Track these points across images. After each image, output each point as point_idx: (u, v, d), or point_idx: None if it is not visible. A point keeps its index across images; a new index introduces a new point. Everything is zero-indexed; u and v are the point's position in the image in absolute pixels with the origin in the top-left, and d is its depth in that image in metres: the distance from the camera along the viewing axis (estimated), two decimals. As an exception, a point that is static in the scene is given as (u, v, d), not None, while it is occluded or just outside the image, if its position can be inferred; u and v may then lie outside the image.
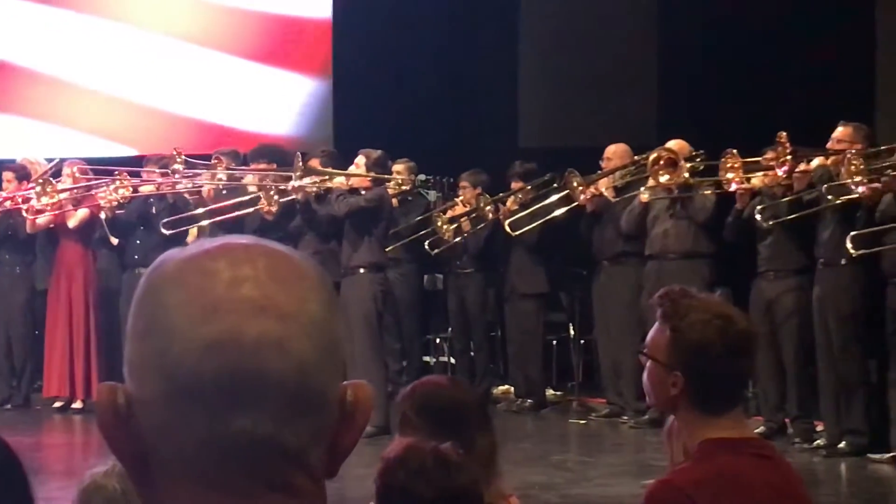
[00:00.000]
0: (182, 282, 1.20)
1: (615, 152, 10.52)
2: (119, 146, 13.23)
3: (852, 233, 8.50)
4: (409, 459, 2.76)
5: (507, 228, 10.66)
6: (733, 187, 9.36)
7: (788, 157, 8.89)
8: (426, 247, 11.05)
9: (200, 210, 10.49)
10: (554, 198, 10.62)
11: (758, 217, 9.13)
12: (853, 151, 8.65)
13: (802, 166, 8.97)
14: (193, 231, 10.37)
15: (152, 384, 1.18)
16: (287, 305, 1.19)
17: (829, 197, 8.67)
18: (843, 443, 8.85)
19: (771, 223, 9.13)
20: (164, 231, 10.32)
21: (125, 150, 13.16)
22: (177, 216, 10.49)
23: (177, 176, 10.87)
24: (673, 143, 10.02)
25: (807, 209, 8.90)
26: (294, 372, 1.17)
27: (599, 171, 10.45)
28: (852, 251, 8.44)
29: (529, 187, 10.97)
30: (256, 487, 1.18)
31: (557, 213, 10.57)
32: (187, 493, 1.19)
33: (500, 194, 11.05)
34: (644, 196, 10.06)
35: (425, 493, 2.71)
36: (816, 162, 8.90)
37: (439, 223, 10.97)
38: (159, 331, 1.18)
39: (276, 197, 10.01)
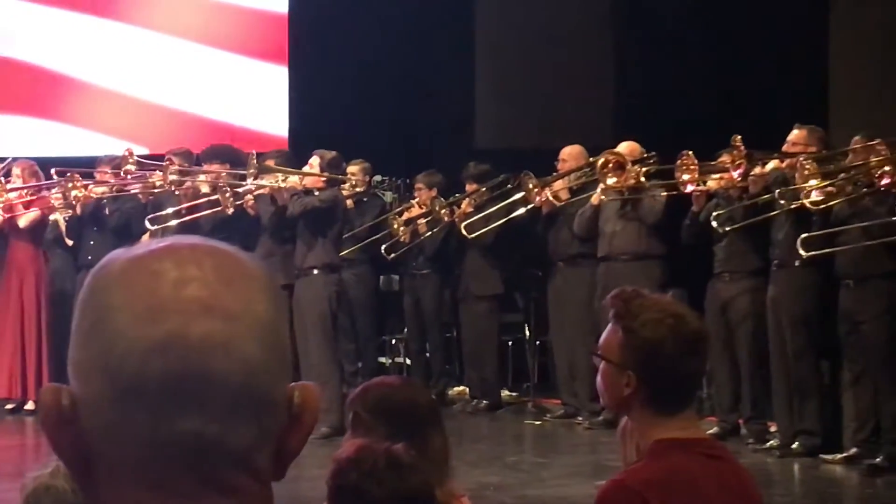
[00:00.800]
0: (127, 282, 1.19)
1: (570, 154, 10.54)
2: (77, 130, 13.19)
3: (803, 235, 8.55)
4: (362, 460, 2.75)
5: (463, 231, 10.66)
6: (689, 189, 9.39)
7: (743, 160, 8.93)
8: (383, 252, 11.04)
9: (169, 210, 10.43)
10: (509, 200, 10.62)
11: (714, 224, 9.18)
12: (807, 154, 8.71)
13: (758, 169, 9.02)
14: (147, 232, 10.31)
15: (97, 385, 1.17)
16: (234, 306, 1.18)
17: (782, 202, 8.72)
18: (796, 443, 8.90)
19: (728, 228, 9.18)
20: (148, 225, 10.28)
21: (88, 135, 13.13)
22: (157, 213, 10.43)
23: (129, 177, 10.79)
24: (624, 146, 10.05)
25: (762, 212, 8.94)
26: (240, 373, 1.16)
27: (555, 173, 10.47)
28: (803, 253, 8.49)
29: (484, 189, 10.98)
30: (201, 489, 1.17)
31: (515, 214, 10.57)
32: (132, 495, 1.18)
33: (456, 196, 11.05)
34: (595, 199, 10.09)
35: (377, 493, 2.71)
36: (772, 165, 8.95)
37: (395, 225, 10.96)
38: (104, 331, 1.17)
39: (231, 198, 9.95)
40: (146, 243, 1.23)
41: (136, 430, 1.16)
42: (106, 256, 1.23)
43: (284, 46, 13.40)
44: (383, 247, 11.03)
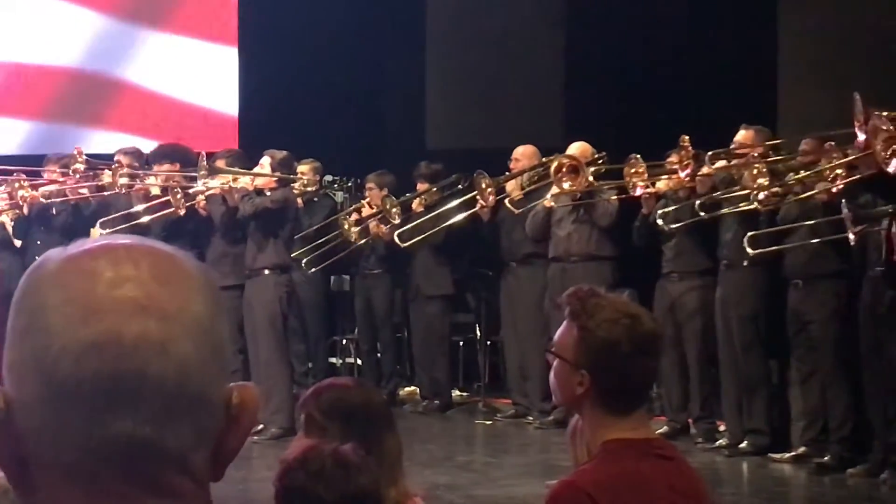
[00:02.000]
0: (62, 282, 1.18)
1: (523, 153, 10.54)
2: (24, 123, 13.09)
3: (750, 233, 8.60)
4: (309, 461, 2.74)
5: (396, 240, 10.62)
6: (638, 192, 9.42)
7: (691, 161, 8.97)
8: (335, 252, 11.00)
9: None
10: (445, 207, 10.60)
11: (659, 222, 9.22)
12: (755, 155, 8.76)
13: (705, 169, 9.06)
14: (95, 232, 10.22)
15: (31, 386, 1.16)
16: (169, 306, 1.17)
17: (730, 202, 8.77)
18: (745, 442, 8.96)
19: (672, 227, 9.22)
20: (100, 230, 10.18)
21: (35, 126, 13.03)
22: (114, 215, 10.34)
23: (77, 176, 10.70)
24: (575, 147, 10.06)
25: (710, 212, 8.98)
26: (175, 373, 1.16)
27: (507, 173, 10.47)
28: (750, 251, 8.54)
29: (435, 189, 10.97)
30: (136, 491, 1.16)
31: (452, 221, 10.54)
32: (66, 496, 1.16)
33: (407, 195, 11.03)
34: (548, 202, 10.10)
35: (325, 495, 2.69)
36: (718, 165, 8.98)
37: (346, 226, 10.93)
38: (38, 331, 1.16)
39: (182, 200, 9.88)
40: (81, 243, 1.22)
41: (71, 432, 1.15)
42: (41, 256, 1.22)
43: (234, 28, 13.36)
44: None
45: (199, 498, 1.19)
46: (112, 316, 1.15)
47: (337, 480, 2.70)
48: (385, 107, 13.63)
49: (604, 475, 2.87)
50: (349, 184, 12.28)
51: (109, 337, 1.14)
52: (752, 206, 8.57)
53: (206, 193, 9.83)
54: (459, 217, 10.51)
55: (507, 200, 10.21)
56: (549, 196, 10.07)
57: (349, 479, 2.71)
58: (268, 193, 9.76)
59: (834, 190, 7.72)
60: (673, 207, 9.29)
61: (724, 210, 8.85)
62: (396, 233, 10.62)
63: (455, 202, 10.61)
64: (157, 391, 1.15)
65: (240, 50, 13.27)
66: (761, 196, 8.49)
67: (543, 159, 10.32)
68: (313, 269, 10.74)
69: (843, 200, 7.77)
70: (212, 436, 1.20)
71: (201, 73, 13.34)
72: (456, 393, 11.56)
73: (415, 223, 10.65)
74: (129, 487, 1.16)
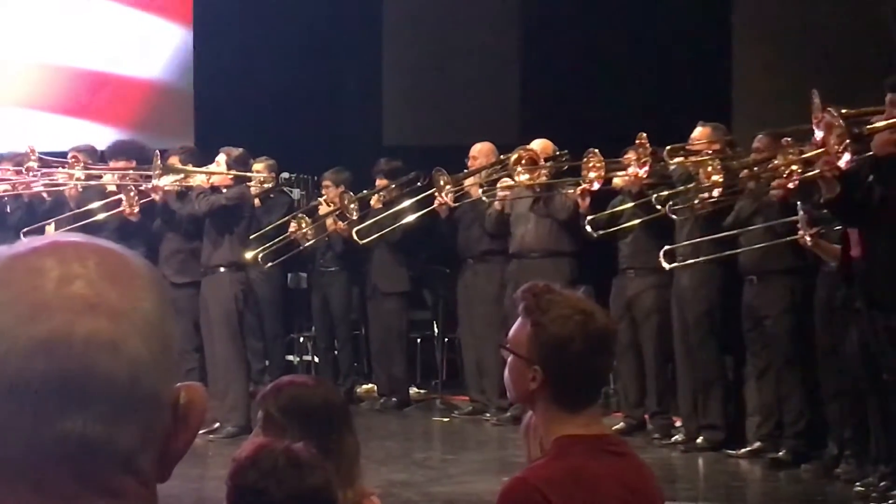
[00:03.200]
0: (9, 280, 1.17)
1: (481, 151, 10.54)
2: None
3: (666, 247, 8.69)
4: (261, 460, 2.72)
5: (355, 237, 10.62)
6: (595, 186, 9.45)
7: (648, 157, 9.00)
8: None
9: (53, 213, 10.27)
10: (413, 200, 10.59)
11: (588, 228, 9.30)
12: (711, 152, 8.80)
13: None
14: (50, 229, 10.15)
15: None
16: (119, 304, 1.17)
17: (685, 200, 8.81)
18: (701, 438, 9.00)
19: (600, 233, 9.28)
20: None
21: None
22: (37, 224, 10.26)
23: (31, 174, 10.61)
24: (537, 143, 10.08)
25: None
26: (126, 372, 1.15)
27: (465, 171, 10.47)
28: (665, 265, 8.65)
29: (394, 185, 10.96)
30: (83, 491, 1.15)
31: (406, 221, 10.54)
32: (13, 495, 1.15)
33: (365, 192, 11.01)
34: (498, 204, 10.12)
35: (277, 493, 2.68)
36: (676, 162, 9.02)
37: (302, 225, 10.90)
38: None
39: (136, 197, 9.82)
40: (29, 241, 1.21)
41: (19, 430, 1.14)
42: None
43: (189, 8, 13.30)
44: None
45: (145, 498, 1.19)
46: (61, 314, 1.14)
47: (289, 479, 2.69)
48: (342, 103, 13.60)
49: (555, 472, 2.87)
50: (307, 179, 12.25)
51: (59, 335, 1.14)
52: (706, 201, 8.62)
53: (160, 191, 9.75)
54: (417, 215, 10.50)
55: (481, 192, 10.21)
56: (498, 194, 10.09)
57: (302, 478, 2.70)
58: (223, 191, 9.72)
59: (790, 186, 7.76)
60: (630, 204, 9.33)
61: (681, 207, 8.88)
62: (355, 230, 10.61)
63: (412, 200, 10.60)
64: (107, 390, 1.14)
65: (195, 34, 13.19)
66: (715, 193, 8.53)
67: (501, 157, 10.33)
68: (269, 265, 10.70)
69: (799, 202, 7.82)
70: (159, 436, 1.19)
71: (155, 51, 13.23)
72: (413, 390, 11.56)
73: (373, 220, 10.64)
74: (77, 487, 1.15)
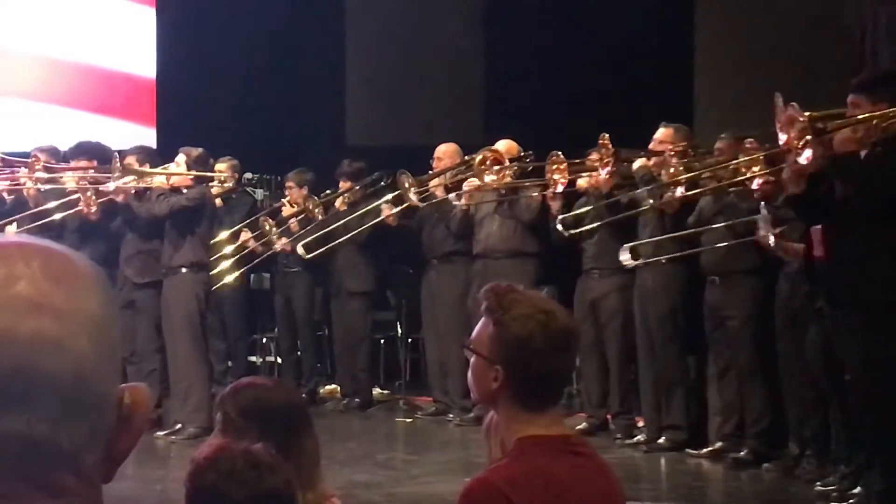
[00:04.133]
0: None
1: (446, 152, 10.54)
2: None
3: (627, 244, 8.70)
4: (220, 461, 2.71)
5: (300, 251, 10.63)
6: (559, 189, 9.47)
7: (611, 158, 9.02)
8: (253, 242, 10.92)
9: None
10: (380, 201, 10.60)
11: (559, 227, 9.32)
12: (673, 152, 8.82)
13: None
14: (11, 229, 10.08)
15: None
16: (64, 304, 1.16)
17: (650, 200, 8.83)
18: (663, 438, 9.03)
19: (571, 232, 9.29)
20: None
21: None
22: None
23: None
24: (502, 144, 10.09)
25: (629, 209, 9.04)
26: (70, 371, 1.15)
27: (430, 172, 10.46)
28: (629, 262, 8.66)
29: (358, 187, 10.94)
30: (27, 490, 1.15)
31: (359, 230, 10.55)
32: None
33: (328, 193, 10.99)
34: (462, 204, 10.12)
35: (236, 494, 2.66)
36: (639, 163, 9.04)
37: (266, 227, 10.88)
38: None
39: (93, 197, 9.76)
40: None
41: None
42: None
43: (152, 49, 13.19)
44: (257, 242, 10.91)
45: (89, 498, 1.19)
46: (5, 314, 1.14)
47: (248, 480, 2.67)
48: (305, 103, 13.56)
49: (517, 472, 2.87)
50: (270, 179, 12.21)
51: (3, 334, 1.13)
52: (668, 201, 8.65)
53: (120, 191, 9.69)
54: (368, 225, 10.51)
55: (451, 195, 10.20)
56: (464, 194, 10.10)
57: (261, 479, 2.68)
58: (184, 192, 9.67)
59: (754, 186, 7.78)
60: (591, 207, 9.35)
61: (644, 208, 8.90)
62: (300, 244, 10.62)
63: (377, 202, 10.60)
64: (52, 389, 1.14)
65: (158, 32, 13.11)
66: (678, 193, 8.55)
67: (466, 157, 10.34)
68: (237, 273, 10.69)
69: (763, 203, 7.84)
70: (104, 436, 1.19)
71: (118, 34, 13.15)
72: (377, 391, 11.55)
73: (321, 232, 10.64)
74: (20, 486, 1.14)
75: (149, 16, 13.20)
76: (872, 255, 6.60)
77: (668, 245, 8.84)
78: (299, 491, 3.05)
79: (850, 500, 7.08)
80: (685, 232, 8.74)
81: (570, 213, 9.50)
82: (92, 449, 1.17)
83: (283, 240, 10.81)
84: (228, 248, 10.69)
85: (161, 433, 9.58)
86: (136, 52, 13.17)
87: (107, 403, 1.18)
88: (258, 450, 2.73)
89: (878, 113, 6.66)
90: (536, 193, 9.78)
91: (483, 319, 3.00)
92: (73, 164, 10.29)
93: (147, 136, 12.30)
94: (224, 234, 10.69)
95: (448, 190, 10.34)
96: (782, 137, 6.59)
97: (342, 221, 10.69)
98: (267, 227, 10.89)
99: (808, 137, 6.46)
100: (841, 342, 6.94)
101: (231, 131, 12.13)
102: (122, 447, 1.21)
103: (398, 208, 10.34)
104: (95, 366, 1.16)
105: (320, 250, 10.61)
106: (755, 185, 7.75)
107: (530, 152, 10.02)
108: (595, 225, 9.34)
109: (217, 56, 12.86)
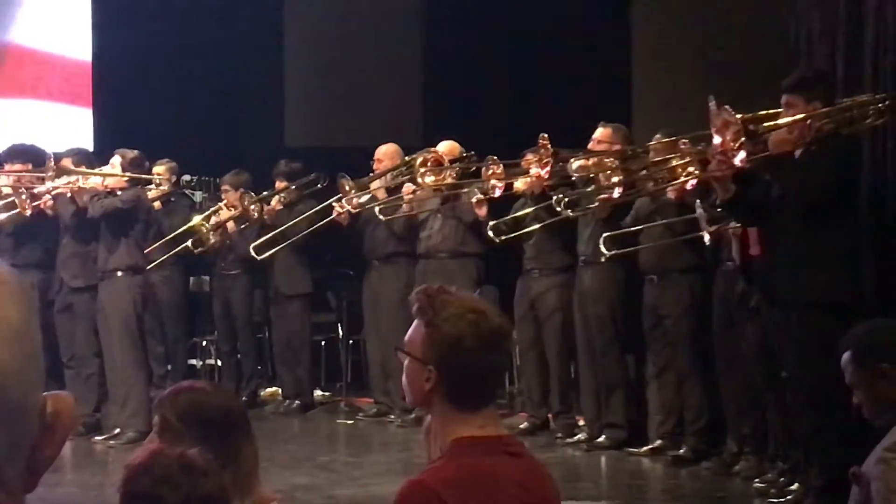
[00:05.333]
0: None
1: (386, 153, 10.52)
2: None
3: (605, 234, 8.73)
4: (154, 466, 2.69)
5: (252, 253, 10.60)
6: (497, 193, 9.49)
7: (550, 159, 9.05)
8: (190, 245, 10.86)
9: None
10: (311, 212, 10.58)
11: (490, 234, 9.33)
12: (612, 152, 8.87)
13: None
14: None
15: None
16: None
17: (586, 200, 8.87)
18: (603, 437, 9.07)
19: (503, 238, 9.31)
20: None
21: None
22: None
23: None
24: (444, 145, 10.10)
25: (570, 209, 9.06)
26: None
27: (371, 174, 10.44)
28: (605, 251, 8.67)
29: (294, 187, 10.92)
30: None
31: (302, 234, 10.54)
32: None
33: (265, 193, 10.96)
34: (406, 207, 10.11)
35: (170, 500, 2.64)
36: (578, 164, 9.07)
37: (203, 230, 10.83)
38: None
39: (28, 200, 9.67)
40: None
41: None
42: None
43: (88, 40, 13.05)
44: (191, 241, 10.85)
45: None
46: None
47: (183, 485, 2.65)
48: (244, 104, 13.51)
49: (452, 473, 2.87)
50: (209, 181, 12.14)
51: None
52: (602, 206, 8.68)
53: (54, 193, 9.62)
54: (317, 226, 10.48)
55: (376, 209, 10.17)
56: (404, 206, 10.11)
57: (195, 484, 2.66)
58: (119, 194, 9.59)
59: (688, 187, 7.83)
60: (532, 209, 9.37)
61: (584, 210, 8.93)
62: (252, 245, 10.60)
63: (317, 206, 10.57)
64: None
65: (93, 35, 12.99)
66: (616, 193, 8.59)
67: (406, 158, 10.33)
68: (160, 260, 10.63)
69: (698, 200, 7.90)
70: (26, 445, 1.17)
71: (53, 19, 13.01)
72: (318, 393, 11.51)
73: (271, 234, 10.62)
74: None
75: (86, 25, 13.07)
76: (808, 255, 6.67)
77: (610, 244, 8.86)
78: (238, 496, 3.04)
79: (789, 497, 7.14)
80: (626, 230, 8.77)
81: (508, 217, 9.51)
82: (14, 459, 1.15)
83: (257, 207, 10.77)
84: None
85: (99, 438, 9.50)
86: (73, 49, 13.01)
87: (29, 413, 1.16)
88: (193, 455, 2.71)
89: (812, 113, 6.73)
90: (475, 200, 9.77)
91: (416, 321, 3.01)
92: (6, 167, 10.18)
93: (84, 140, 12.18)
94: (197, 218, 10.70)
95: (389, 192, 10.33)
96: (717, 139, 6.64)
97: (291, 223, 10.64)
98: (204, 230, 10.83)
99: (743, 140, 6.52)
100: (777, 340, 7.01)
101: (169, 134, 12.06)
102: (44, 456, 1.19)
103: (333, 216, 10.32)
104: (16, 375, 1.14)
105: (271, 251, 10.58)
106: (689, 186, 7.81)
107: (472, 153, 10.03)
108: (529, 230, 9.35)
109: (154, 58, 12.77)
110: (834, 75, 7.59)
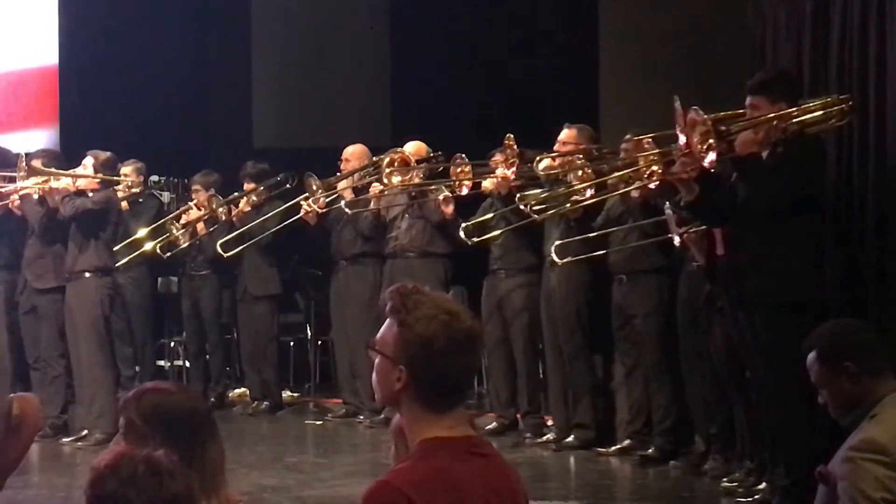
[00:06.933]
0: None
1: (353, 153, 10.53)
2: None
3: (557, 242, 8.76)
4: (120, 468, 2.67)
5: (219, 250, 10.60)
6: (464, 192, 9.51)
7: (516, 159, 9.06)
8: (159, 251, 10.84)
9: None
10: (278, 210, 10.58)
11: (461, 234, 9.34)
12: (577, 151, 8.90)
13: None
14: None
15: None
16: None
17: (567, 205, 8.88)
18: (572, 437, 9.09)
19: (475, 240, 9.32)
20: None
21: None
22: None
23: None
24: (411, 145, 10.11)
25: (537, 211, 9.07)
26: None
27: (338, 174, 10.44)
28: (556, 260, 8.72)
29: (262, 188, 10.91)
30: None
31: (283, 224, 10.53)
32: None
33: (234, 195, 10.95)
34: (374, 204, 10.11)
35: (136, 501, 2.63)
36: (544, 164, 9.09)
37: (173, 230, 10.81)
38: None
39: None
40: None
41: None
42: None
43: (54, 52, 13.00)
44: (158, 247, 10.83)
45: None
46: None
47: (149, 487, 2.64)
48: (211, 105, 13.49)
49: (419, 474, 2.87)
50: (177, 182, 12.13)
51: None
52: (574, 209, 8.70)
53: (21, 193, 9.57)
54: (285, 223, 10.48)
55: (342, 202, 10.19)
56: (345, 203, 10.11)
57: (162, 486, 2.65)
58: (90, 195, 9.56)
59: (651, 186, 7.84)
60: (501, 210, 9.37)
61: (550, 212, 8.93)
62: (219, 242, 10.59)
63: (281, 207, 10.57)
64: None
65: (60, 32, 12.92)
66: (588, 195, 8.59)
67: (374, 158, 10.34)
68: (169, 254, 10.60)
69: (667, 202, 7.91)
70: None
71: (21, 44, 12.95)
72: (286, 394, 11.51)
73: (238, 232, 10.61)
74: None
75: (51, 29, 13.01)
76: (773, 255, 6.69)
77: (575, 246, 8.88)
78: (203, 497, 3.03)
79: (756, 496, 7.17)
80: (595, 233, 8.79)
81: (476, 220, 9.52)
82: None
83: (225, 209, 10.75)
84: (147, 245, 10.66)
85: (67, 440, 9.47)
86: (38, 57, 12.96)
87: None
88: (159, 456, 2.71)
89: (779, 113, 6.76)
90: (441, 198, 9.78)
91: (388, 320, 3.01)
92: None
93: (50, 139, 12.14)
94: (142, 232, 10.67)
95: (356, 192, 10.34)
96: (682, 139, 6.66)
97: (259, 220, 10.65)
98: (174, 231, 10.81)
99: (711, 141, 6.53)
100: (742, 341, 7.04)
101: (137, 134, 12.03)
102: (11, 457, 1.20)
103: (301, 214, 10.32)
104: None
105: (238, 248, 10.58)
106: (652, 185, 7.81)
107: (440, 153, 10.05)
108: (498, 233, 9.37)
109: (122, 59, 12.73)
110: (799, 76, 7.63)
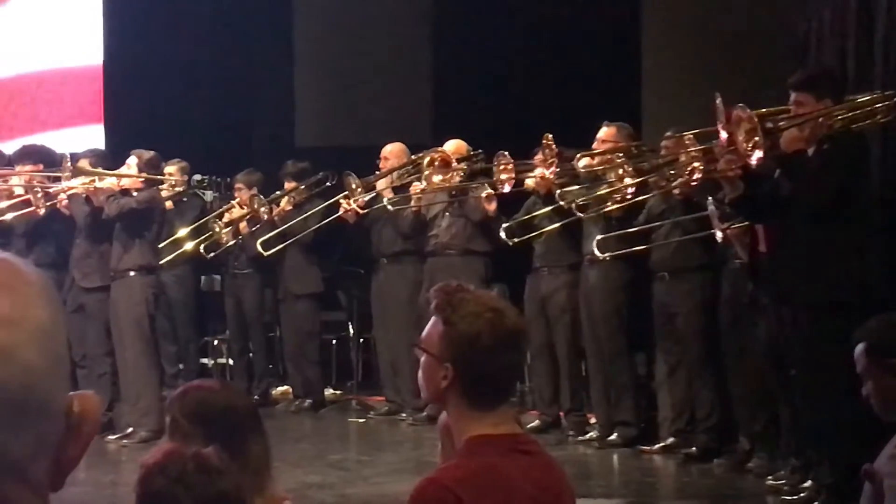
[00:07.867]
0: None
1: (392, 152, 10.54)
2: None
3: (599, 236, 8.74)
4: (170, 465, 2.70)
5: (259, 249, 10.64)
6: (506, 189, 9.50)
7: (555, 158, 9.04)
8: (202, 251, 10.89)
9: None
10: (318, 208, 10.60)
11: (502, 235, 9.33)
12: (616, 149, 8.87)
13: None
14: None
15: None
16: (12, 312, 1.16)
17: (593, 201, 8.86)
18: (615, 434, 9.07)
19: (516, 240, 9.32)
20: None
21: None
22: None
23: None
24: (451, 144, 10.11)
25: (581, 210, 9.05)
26: (19, 381, 1.14)
27: (377, 172, 10.46)
28: (598, 254, 8.70)
29: (303, 187, 10.94)
30: None
31: (323, 222, 10.56)
32: None
33: (276, 194, 10.98)
34: (415, 205, 10.12)
35: (185, 499, 2.65)
36: (583, 162, 9.06)
37: (216, 228, 10.85)
38: None
39: (42, 200, 9.70)
40: None
41: None
42: None
43: (100, 48, 13.08)
44: (203, 245, 10.88)
45: None
46: None
47: (198, 485, 2.66)
48: (254, 105, 13.54)
49: (467, 471, 2.88)
50: (219, 181, 12.18)
51: None
52: (616, 207, 8.68)
53: (69, 193, 9.66)
54: (324, 222, 10.51)
55: (385, 200, 10.20)
56: (387, 200, 10.12)
57: (210, 483, 2.67)
58: (134, 194, 9.63)
59: (693, 183, 7.80)
60: (546, 209, 9.35)
61: (591, 213, 8.91)
62: (259, 241, 10.62)
63: (321, 205, 10.60)
64: (0, 399, 1.13)
65: (105, 34, 13.00)
66: (629, 192, 8.57)
67: (413, 157, 10.35)
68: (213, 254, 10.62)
69: (710, 198, 7.87)
70: (52, 444, 1.18)
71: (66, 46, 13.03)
72: (329, 391, 11.53)
73: (277, 230, 10.65)
74: None
75: (97, 28, 13.09)
76: (817, 253, 6.66)
77: (615, 244, 8.86)
78: (248, 494, 3.05)
79: (801, 494, 7.13)
80: (635, 229, 8.76)
81: (522, 217, 9.51)
82: (40, 458, 1.17)
83: (267, 209, 10.80)
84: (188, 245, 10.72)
85: (112, 437, 9.53)
86: (84, 56, 13.06)
87: (55, 412, 1.18)
88: (208, 454, 2.72)
89: (824, 110, 6.72)
90: (484, 195, 9.78)
91: (433, 319, 3.02)
92: (17, 168, 10.20)
93: (95, 141, 12.22)
94: (185, 231, 10.73)
95: (395, 191, 10.35)
96: (723, 135, 6.63)
97: (299, 219, 10.68)
98: (217, 229, 10.86)
99: (758, 138, 6.50)
100: (785, 338, 7.00)
101: (180, 133, 12.07)
102: (70, 455, 1.21)
103: (340, 213, 10.34)
104: (44, 374, 1.15)
105: (277, 247, 10.63)
106: (694, 182, 7.77)
107: (479, 151, 10.05)
108: (539, 232, 9.36)
109: (167, 59, 12.79)
110: (844, 73, 7.59)
